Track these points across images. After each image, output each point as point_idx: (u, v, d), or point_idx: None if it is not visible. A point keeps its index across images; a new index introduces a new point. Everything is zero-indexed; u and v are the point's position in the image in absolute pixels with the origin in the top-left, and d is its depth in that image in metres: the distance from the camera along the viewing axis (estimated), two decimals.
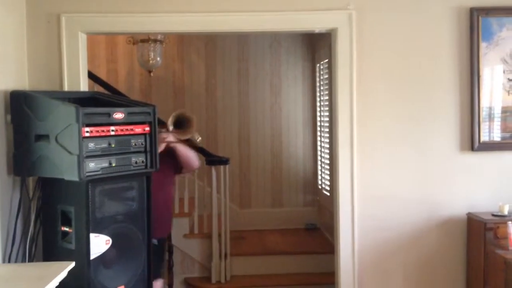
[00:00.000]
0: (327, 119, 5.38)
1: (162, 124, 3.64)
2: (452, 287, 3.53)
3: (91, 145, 2.79)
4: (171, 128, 3.65)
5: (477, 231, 3.33)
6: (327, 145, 5.42)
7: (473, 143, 3.47)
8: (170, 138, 3.62)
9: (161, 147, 3.49)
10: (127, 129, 2.97)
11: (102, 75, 5.60)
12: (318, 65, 5.92)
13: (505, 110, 3.50)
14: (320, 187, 5.96)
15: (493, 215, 3.33)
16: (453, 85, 3.49)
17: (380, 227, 3.50)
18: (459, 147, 3.50)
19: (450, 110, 3.50)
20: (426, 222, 3.51)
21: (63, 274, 2.44)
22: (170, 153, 3.62)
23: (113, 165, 2.91)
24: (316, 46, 6.03)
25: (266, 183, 6.12)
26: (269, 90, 6.19)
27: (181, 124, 3.71)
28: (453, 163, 3.51)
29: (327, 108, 5.39)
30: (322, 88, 5.71)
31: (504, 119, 3.51)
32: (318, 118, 5.94)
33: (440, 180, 3.51)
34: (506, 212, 3.31)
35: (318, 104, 5.96)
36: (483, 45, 3.44)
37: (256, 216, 6.15)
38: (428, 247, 3.52)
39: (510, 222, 3.15)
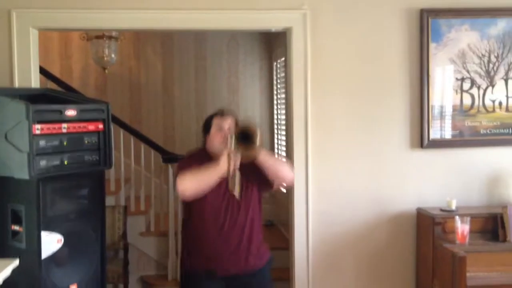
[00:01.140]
0: (284, 117, 5.43)
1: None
2: (402, 279, 3.63)
3: (42, 142, 2.75)
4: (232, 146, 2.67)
5: (426, 225, 3.43)
6: (284, 143, 5.47)
7: (422, 140, 3.57)
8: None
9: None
10: (79, 127, 2.94)
11: (56, 71, 5.51)
12: (275, 63, 5.96)
13: (454, 109, 3.61)
14: None
15: (441, 210, 3.43)
16: (403, 85, 3.58)
17: (333, 222, 3.57)
18: (410, 145, 3.59)
19: (401, 108, 3.59)
20: (377, 217, 3.59)
21: (6, 272, 2.40)
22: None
23: (65, 163, 2.87)
24: (274, 45, 6.08)
25: None
26: (226, 88, 6.21)
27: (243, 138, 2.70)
28: (403, 160, 3.60)
29: (283, 106, 5.44)
30: (279, 86, 5.76)
31: (453, 118, 3.62)
32: (275, 116, 5.98)
33: (391, 176, 3.60)
34: (453, 207, 3.41)
35: (275, 102, 6.00)
36: (432, 45, 3.54)
37: None
38: (379, 241, 3.60)
39: (457, 216, 3.25)
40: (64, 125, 2.86)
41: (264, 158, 2.69)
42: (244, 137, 2.64)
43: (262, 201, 2.92)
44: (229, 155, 2.62)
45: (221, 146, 2.73)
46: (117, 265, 4.52)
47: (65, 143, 2.86)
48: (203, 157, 2.82)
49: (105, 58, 5.32)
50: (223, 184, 2.74)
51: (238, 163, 2.64)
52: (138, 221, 5.09)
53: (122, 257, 4.57)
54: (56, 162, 2.83)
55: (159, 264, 5.05)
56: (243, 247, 2.80)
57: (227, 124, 2.83)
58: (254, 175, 2.77)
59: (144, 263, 5.04)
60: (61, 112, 2.86)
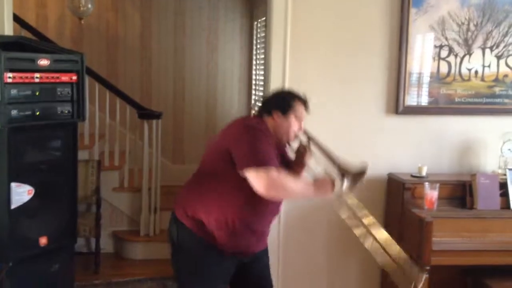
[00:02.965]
0: (262, 77, 5.40)
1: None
2: None
3: (14, 91, 2.71)
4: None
5: (396, 190, 3.48)
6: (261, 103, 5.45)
7: (397, 106, 3.59)
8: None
9: None
10: (52, 77, 2.90)
11: (31, 20, 5.35)
12: (255, 23, 5.88)
13: (430, 76, 3.62)
14: None
15: (412, 176, 3.48)
16: (382, 49, 3.57)
17: None
18: (385, 110, 3.61)
19: (379, 74, 3.59)
20: None
21: None
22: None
23: (37, 113, 2.84)
24: (255, 3, 5.99)
25: (200, 139, 6.09)
26: (205, 46, 6.12)
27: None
28: (378, 125, 3.62)
29: (262, 67, 5.40)
30: (258, 46, 5.70)
31: (429, 85, 3.63)
32: (254, 76, 5.95)
33: (365, 141, 3.62)
34: (424, 174, 3.46)
35: (254, 62, 5.96)
36: (413, 11, 3.51)
37: (188, 172, 5.94)
38: None
39: (427, 183, 3.30)
40: (37, 74, 2.82)
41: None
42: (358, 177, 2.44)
43: None
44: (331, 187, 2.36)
45: (293, 139, 2.51)
46: (89, 219, 4.53)
47: (37, 93, 2.83)
48: (270, 138, 2.41)
49: (81, 8, 5.18)
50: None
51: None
52: (112, 176, 5.07)
53: (95, 212, 4.57)
54: (28, 112, 2.80)
55: (131, 220, 5.07)
56: (267, 232, 2.64)
57: (304, 116, 2.55)
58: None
59: (116, 218, 5.05)
60: (34, 61, 2.81)
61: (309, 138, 2.57)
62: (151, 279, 4.30)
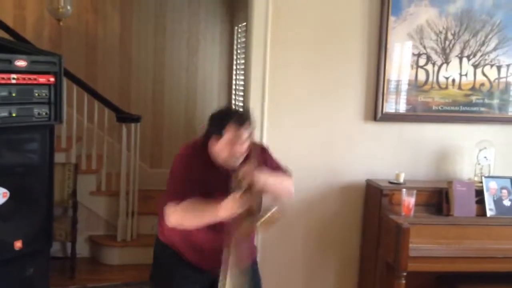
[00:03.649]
0: (242, 82, 5.41)
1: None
2: (348, 248, 3.71)
3: None
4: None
5: (374, 196, 3.51)
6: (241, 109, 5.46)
7: (376, 113, 3.61)
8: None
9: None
10: (29, 78, 2.86)
11: (8, 21, 5.27)
12: (236, 27, 5.89)
13: (408, 84, 3.66)
14: None
15: (389, 182, 3.51)
16: (361, 57, 3.59)
17: None
18: (363, 117, 3.63)
19: (357, 81, 3.61)
20: (328, 186, 3.64)
21: None
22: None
23: (13, 115, 2.80)
24: (236, 8, 5.99)
25: (179, 143, 6.03)
26: (186, 49, 6.10)
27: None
28: (356, 132, 3.64)
29: (243, 72, 5.41)
30: (239, 51, 5.71)
31: (407, 92, 3.67)
32: (234, 81, 5.95)
33: (344, 147, 3.64)
34: (401, 180, 3.49)
35: (234, 66, 5.96)
36: (392, 19, 3.55)
37: (166, 176, 6.11)
38: (329, 210, 3.66)
39: (404, 189, 3.33)
40: (14, 75, 2.78)
41: (267, 188, 2.34)
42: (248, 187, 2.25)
43: None
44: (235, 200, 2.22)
45: (230, 162, 2.39)
46: (65, 223, 4.47)
47: (13, 94, 2.79)
48: (204, 165, 2.41)
49: (60, 10, 5.13)
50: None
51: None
52: (89, 180, 5.02)
53: (71, 216, 4.51)
54: (4, 113, 2.76)
55: (108, 224, 5.02)
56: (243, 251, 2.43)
57: (246, 134, 2.38)
58: None
59: (93, 223, 4.99)
60: (10, 62, 2.78)
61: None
62: (127, 284, 4.26)
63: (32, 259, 3.02)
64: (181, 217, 2.32)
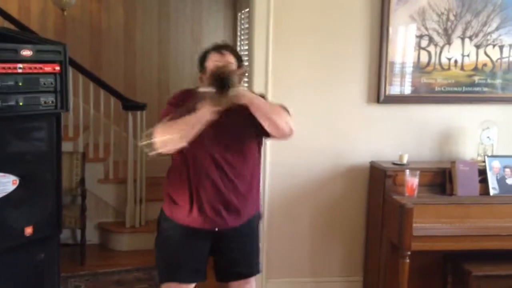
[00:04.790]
0: (246, 68, 5.42)
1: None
2: (353, 229, 3.76)
3: None
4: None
5: (378, 178, 3.54)
6: None
7: (379, 95, 3.64)
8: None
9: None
10: (35, 68, 2.88)
11: (13, 12, 5.32)
12: (239, 14, 5.90)
13: (411, 66, 3.68)
14: None
15: (393, 163, 3.54)
16: (364, 39, 3.62)
17: (289, 173, 3.64)
18: (367, 99, 3.66)
19: (360, 63, 3.63)
20: (332, 169, 3.68)
21: None
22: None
23: (20, 104, 2.83)
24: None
25: None
26: (190, 37, 6.13)
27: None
28: (360, 114, 3.67)
29: (246, 58, 5.42)
30: (242, 38, 5.72)
31: (410, 74, 3.69)
32: None
33: (348, 130, 3.68)
34: (405, 161, 3.52)
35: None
36: (393, 1, 3.56)
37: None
38: (334, 192, 3.71)
39: (407, 170, 3.36)
40: (20, 65, 2.81)
41: (251, 101, 2.33)
42: (220, 83, 2.24)
43: (259, 152, 2.63)
44: (210, 101, 2.25)
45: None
46: (74, 211, 4.54)
47: (20, 84, 2.82)
48: (192, 101, 2.37)
49: None
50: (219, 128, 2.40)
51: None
52: (97, 168, 5.08)
53: (80, 203, 4.57)
54: (11, 102, 2.79)
55: (117, 211, 5.08)
56: (238, 199, 2.53)
57: (226, 62, 2.42)
58: (249, 123, 2.42)
59: (102, 210, 5.06)
60: (16, 51, 2.80)
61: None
62: (137, 269, 4.32)
63: (42, 245, 3.07)
64: (165, 128, 2.30)
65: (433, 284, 3.53)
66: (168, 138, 2.30)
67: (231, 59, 2.45)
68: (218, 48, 2.48)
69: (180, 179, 2.52)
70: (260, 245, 3.60)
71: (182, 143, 2.32)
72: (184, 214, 2.53)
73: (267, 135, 2.47)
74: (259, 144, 2.61)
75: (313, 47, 3.59)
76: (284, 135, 2.46)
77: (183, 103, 2.43)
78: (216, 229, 2.53)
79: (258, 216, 2.74)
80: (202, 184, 2.47)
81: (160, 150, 2.32)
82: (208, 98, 2.26)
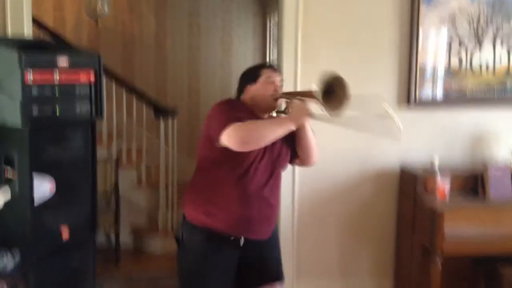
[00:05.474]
0: None
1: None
2: (383, 235, 3.76)
3: (35, 91, 2.78)
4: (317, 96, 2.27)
5: (409, 183, 3.53)
6: None
7: (409, 99, 3.63)
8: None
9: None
10: (71, 77, 2.97)
11: (49, 23, 5.47)
12: (268, 21, 5.96)
13: (442, 70, 3.66)
14: None
15: (424, 168, 3.53)
16: (393, 44, 3.63)
17: (318, 176, 3.66)
18: (397, 103, 3.66)
19: (390, 67, 3.64)
20: (361, 174, 3.69)
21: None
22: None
23: (57, 112, 2.91)
24: (268, 2, 6.05)
25: None
26: (219, 46, 6.20)
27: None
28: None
29: (275, 63, 5.46)
30: (272, 44, 5.77)
31: (440, 79, 3.67)
32: None
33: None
34: (436, 166, 3.50)
35: (268, 60, 6.02)
36: (423, 7, 3.56)
37: None
38: (363, 197, 3.71)
39: (439, 174, 3.34)
40: (56, 75, 2.90)
41: (306, 125, 2.44)
42: (329, 90, 2.24)
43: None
44: (306, 109, 2.30)
45: (273, 100, 2.49)
46: (109, 216, 4.63)
47: (57, 93, 2.90)
48: (244, 110, 2.47)
49: (98, 11, 5.30)
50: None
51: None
52: (130, 174, 5.18)
53: (114, 208, 4.67)
54: (48, 111, 2.88)
55: (149, 216, 5.17)
56: (274, 211, 2.58)
57: (279, 80, 2.54)
58: (290, 140, 2.52)
59: (135, 215, 5.15)
60: (53, 61, 2.89)
61: (290, 94, 2.57)
62: (170, 276, 4.38)
63: (79, 249, 3.14)
64: (250, 129, 2.29)
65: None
66: (256, 140, 2.29)
67: (280, 78, 2.56)
68: (273, 68, 2.59)
69: (222, 183, 2.47)
70: (288, 251, 3.66)
71: (259, 145, 2.33)
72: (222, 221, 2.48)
73: (293, 159, 2.57)
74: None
75: (342, 54, 3.61)
76: (311, 163, 2.59)
77: (238, 107, 2.48)
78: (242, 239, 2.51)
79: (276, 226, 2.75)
80: (246, 194, 2.45)
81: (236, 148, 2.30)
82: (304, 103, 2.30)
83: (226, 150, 2.35)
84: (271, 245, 2.67)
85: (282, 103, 2.59)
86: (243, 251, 2.55)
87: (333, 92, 2.26)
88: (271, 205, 2.54)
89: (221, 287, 2.56)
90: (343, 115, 2.28)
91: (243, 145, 2.30)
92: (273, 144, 2.43)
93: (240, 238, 2.51)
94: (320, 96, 2.21)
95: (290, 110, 2.39)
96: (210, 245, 2.51)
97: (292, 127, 2.32)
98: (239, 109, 2.45)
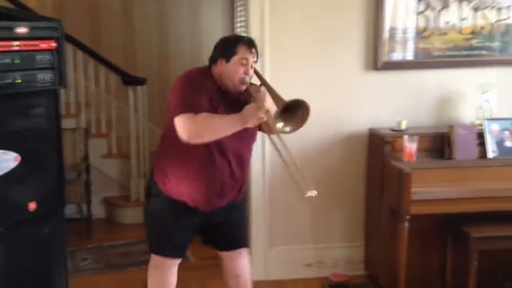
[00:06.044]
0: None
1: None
2: (353, 196, 3.80)
3: None
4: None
5: (377, 145, 3.55)
6: None
7: (376, 62, 3.63)
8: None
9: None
10: (31, 45, 2.89)
11: None
12: None
13: (409, 31, 3.65)
14: None
15: (391, 130, 3.55)
16: (360, 6, 3.60)
17: (288, 141, 3.64)
18: (364, 66, 3.65)
19: (356, 29, 3.62)
20: (331, 137, 3.70)
21: None
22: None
23: (18, 81, 2.85)
24: None
25: None
26: (187, 10, 6.09)
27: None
28: (358, 81, 3.67)
29: (244, 29, 5.40)
30: (239, 8, 5.68)
31: (407, 40, 3.66)
32: None
33: (347, 97, 3.68)
34: (403, 127, 3.53)
35: (236, 25, 5.94)
36: None
37: None
38: (334, 160, 3.73)
39: (406, 136, 3.37)
40: (16, 42, 2.82)
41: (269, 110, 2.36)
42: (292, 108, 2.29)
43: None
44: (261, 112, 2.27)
45: (240, 84, 2.46)
46: (79, 186, 4.60)
47: (16, 61, 2.83)
48: (212, 88, 2.45)
49: None
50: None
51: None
52: (100, 143, 5.14)
53: (85, 179, 4.64)
54: (8, 80, 2.80)
55: (121, 186, 5.15)
56: (238, 180, 2.61)
57: (252, 58, 2.48)
58: None
59: (106, 185, 5.13)
60: (11, 29, 2.81)
61: (260, 79, 2.58)
62: (143, 242, 4.38)
63: (47, 219, 3.11)
64: (202, 126, 2.33)
65: (434, 247, 3.57)
66: (207, 134, 2.33)
67: (254, 56, 2.49)
68: (250, 44, 2.48)
69: (182, 154, 2.51)
70: (260, 214, 3.68)
71: (208, 141, 2.38)
72: (183, 190, 2.56)
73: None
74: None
75: (309, 15, 3.58)
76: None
77: (202, 84, 2.45)
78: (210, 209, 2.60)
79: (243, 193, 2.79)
80: (208, 166, 2.49)
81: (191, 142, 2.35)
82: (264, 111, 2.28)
83: None
84: (238, 211, 2.76)
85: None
86: (209, 216, 2.65)
87: (294, 111, 2.31)
88: (236, 177, 2.58)
89: (184, 240, 2.70)
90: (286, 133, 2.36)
91: (192, 140, 2.35)
92: None
93: (204, 209, 2.61)
94: (281, 107, 2.27)
95: (245, 109, 2.33)
96: (173, 211, 2.62)
97: (240, 127, 2.33)
98: (201, 88, 2.43)
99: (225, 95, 2.50)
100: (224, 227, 2.74)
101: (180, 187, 2.56)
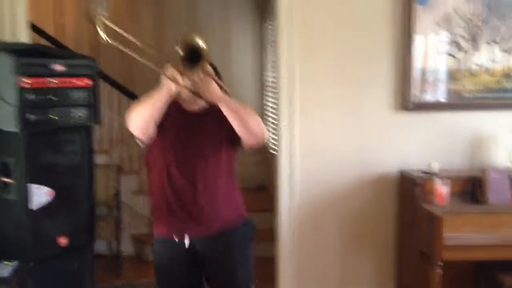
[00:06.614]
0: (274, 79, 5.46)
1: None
2: (383, 239, 3.73)
3: (30, 96, 2.80)
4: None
5: (408, 187, 3.50)
6: (273, 105, 5.51)
7: (407, 103, 3.61)
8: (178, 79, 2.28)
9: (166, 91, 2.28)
10: (67, 82, 2.98)
11: (49, 29, 5.49)
12: (266, 25, 5.96)
13: (439, 72, 3.63)
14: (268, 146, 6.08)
15: (422, 172, 3.50)
16: (390, 47, 3.61)
17: (318, 182, 3.64)
18: (394, 107, 3.64)
19: (386, 70, 3.62)
20: (360, 178, 3.66)
21: None
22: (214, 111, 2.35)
23: (53, 117, 2.92)
24: (267, 10, 6.05)
25: None
26: (219, 54, 6.19)
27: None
28: (388, 122, 3.65)
29: (274, 70, 5.46)
30: (270, 47, 5.77)
31: (438, 81, 3.64)
32: (266, 81, 6.03)
33: (376, 138, 3.66)
34: (435, 169, 3.47)
35: (266, 66, 6.03)
36: (419, 7, 3.54)
37: None
38: (363, 201, 3.68)
39: (438, 178, 3.31)
40: (52, 79, 2.91)
41: (222, 99, 2.24)
42: (190, 52, 2.21)
43: (233, 160, 2.51)
44: (172, 73, 2.27)
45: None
46: (110, 223, 4.63)
47: (53, 98, 2.91)
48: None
49: (97, 17, 5.30)
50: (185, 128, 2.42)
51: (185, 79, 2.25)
52: (131, 180, 5.18)
53: (115, 215, 4.67)
54: (44, 116, 2.89)
55: (151, 222, 5.13)
56: (209, 200, 2.41)
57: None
58: (222, 127, 2.35)
59: (136, 221, 5.14)
60: (49, 66, 2.91)
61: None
62: None
63: (77, 255, 3.14)
64: (133, 112, 2.36)
65: None
66: (136, 116, 2.34)
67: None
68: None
69: (152, 181, 2.54)
70: (288, 258, 3.63)
71: (149, 120, 2.31)
72: (156, 221, 2.57)
73: (238, 141, 2.37)
74: (230, 151, 2.48)
75: (339, 58, 3.60)
76: (256, 139, 2.33)
77: None
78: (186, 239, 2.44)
79: (244, 225, 2.57)
80: (167, 192, 2.44)
81: (135, 134, 2.39)
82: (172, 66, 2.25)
83: (149, 151, 2.51)
84: (234, 248, 2.50)
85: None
86: (196, 247, 2.47)
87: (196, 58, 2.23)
88: (204, 196, 2.40)
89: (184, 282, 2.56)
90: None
91: (132, 129, 2.38)
92: (192, 136, 2.41)
93: (183, 239, 2.45)
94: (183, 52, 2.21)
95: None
96: (162, 254, 2.56)
97: (163, 95, 2.28)
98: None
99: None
100: (215, 266, 2.51)
101: (155, 218, 2.56)
